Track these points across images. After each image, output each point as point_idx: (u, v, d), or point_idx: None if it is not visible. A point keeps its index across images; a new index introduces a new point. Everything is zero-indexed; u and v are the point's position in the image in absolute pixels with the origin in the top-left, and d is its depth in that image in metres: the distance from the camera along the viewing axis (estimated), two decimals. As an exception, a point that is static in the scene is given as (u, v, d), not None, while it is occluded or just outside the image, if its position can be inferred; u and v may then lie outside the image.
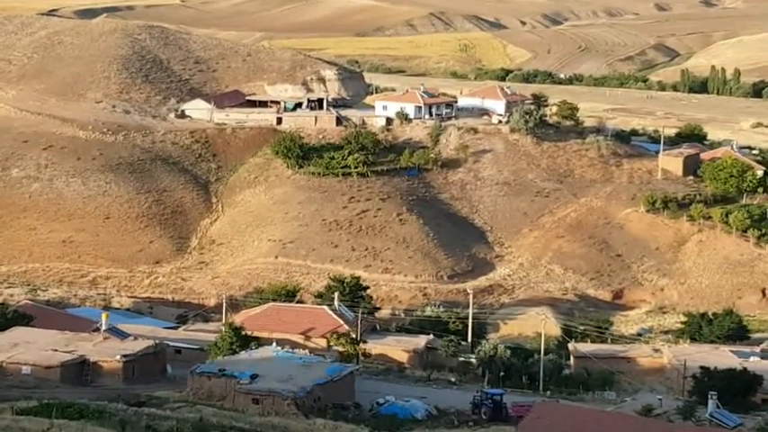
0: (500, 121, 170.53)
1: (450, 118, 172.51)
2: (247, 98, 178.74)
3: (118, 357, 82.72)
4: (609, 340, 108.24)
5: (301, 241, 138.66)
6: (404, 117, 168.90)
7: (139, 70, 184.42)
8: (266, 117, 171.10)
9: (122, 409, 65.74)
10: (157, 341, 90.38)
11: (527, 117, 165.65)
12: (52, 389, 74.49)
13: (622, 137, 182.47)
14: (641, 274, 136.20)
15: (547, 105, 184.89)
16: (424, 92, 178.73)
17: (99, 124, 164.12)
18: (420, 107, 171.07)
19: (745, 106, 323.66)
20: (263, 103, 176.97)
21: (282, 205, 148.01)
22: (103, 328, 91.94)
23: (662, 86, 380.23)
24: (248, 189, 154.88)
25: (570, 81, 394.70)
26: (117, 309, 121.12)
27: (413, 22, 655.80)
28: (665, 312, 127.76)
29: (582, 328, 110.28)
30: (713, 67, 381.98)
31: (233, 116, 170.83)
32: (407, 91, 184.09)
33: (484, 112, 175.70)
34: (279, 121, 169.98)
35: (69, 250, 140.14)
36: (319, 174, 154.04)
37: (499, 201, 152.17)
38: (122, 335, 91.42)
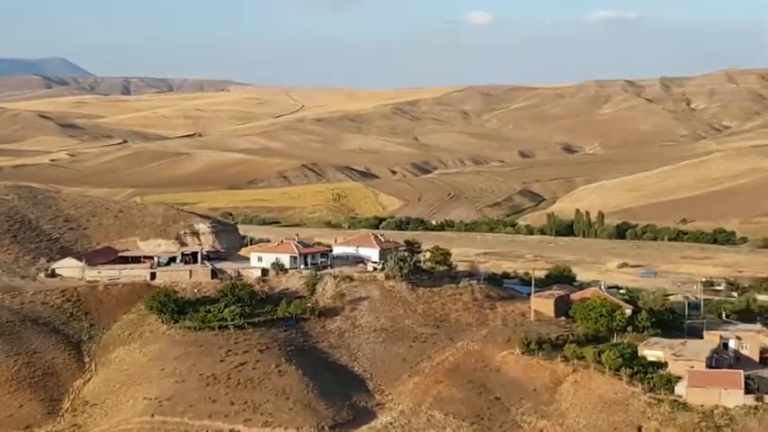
0: (375, 269, 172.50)
1: (325, 267, 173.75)
2: (120, 254, 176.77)
3: None
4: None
5: (178, 398, 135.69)
6: (279, 267, 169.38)
7: (7, 231, 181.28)
8: (139, 273, 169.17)
9: None
10: None
11: (401, 264, 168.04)
12: None
13: (495, 280, 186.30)
14: (520, 416, 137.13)
15: (420, 251, 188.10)
16: (299, 242, 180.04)
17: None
18: (295, 257, 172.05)
19: (611, 247, 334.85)
20: (136, 259, 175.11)
21: (158, 361, 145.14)
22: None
23: (530, 230, 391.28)
24: (122, 346, 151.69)
25: (442, 227, 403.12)
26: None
27: (286, 173, 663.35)
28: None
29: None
30: (577, 210, 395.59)
31: (105, 273, 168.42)
32: (282, 241, 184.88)
33: (359, 260, 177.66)
34: (153, 276, 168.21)
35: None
36: (195, 328, 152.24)
37: (377, 347, 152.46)
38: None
